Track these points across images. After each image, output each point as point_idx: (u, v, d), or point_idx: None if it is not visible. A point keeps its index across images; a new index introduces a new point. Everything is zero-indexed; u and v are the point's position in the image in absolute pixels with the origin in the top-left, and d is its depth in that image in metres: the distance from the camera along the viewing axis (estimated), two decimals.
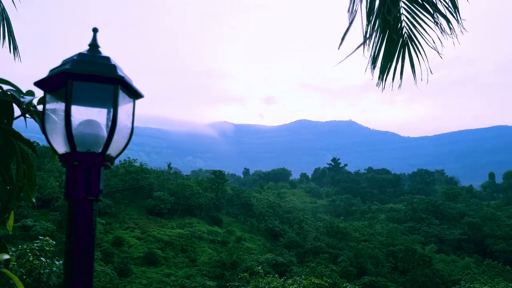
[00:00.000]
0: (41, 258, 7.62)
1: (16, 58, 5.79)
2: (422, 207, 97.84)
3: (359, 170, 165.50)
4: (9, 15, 5.62)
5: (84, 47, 1.94)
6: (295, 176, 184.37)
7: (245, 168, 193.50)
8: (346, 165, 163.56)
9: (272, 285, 12.18)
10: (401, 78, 3.53)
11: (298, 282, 12.68)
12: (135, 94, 2.00)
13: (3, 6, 5.47)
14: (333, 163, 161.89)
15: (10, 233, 2.20)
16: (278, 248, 65.34)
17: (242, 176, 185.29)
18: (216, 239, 63.34)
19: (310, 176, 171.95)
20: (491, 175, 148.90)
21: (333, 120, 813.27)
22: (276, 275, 14.95)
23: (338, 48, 3.12)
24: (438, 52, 3.31)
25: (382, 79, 3.51)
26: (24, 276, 7.28)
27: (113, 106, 1.83)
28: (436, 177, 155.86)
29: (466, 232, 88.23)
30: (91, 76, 1.81)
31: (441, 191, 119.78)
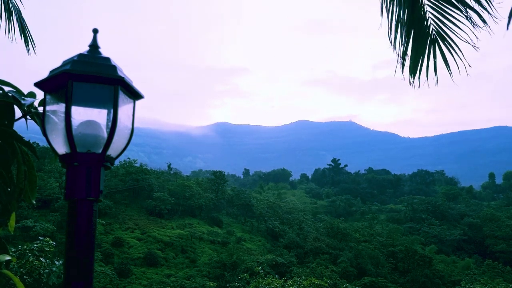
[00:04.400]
0: (41, 259, 7.63)
1: (30, 52, 5.69)
2: (422, 208, 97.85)
3: (359, 171, 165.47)
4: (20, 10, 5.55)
5: (84, 47, 1.95)
6: (295, 176, 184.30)
7: (245, 169, 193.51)
8: (346, 165, 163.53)
9: (272, 286, 12.19)
10: (435, 75, 3.55)
11: (298, 282, 12.68)
12: (135, 95, 2.01)
13: (14, 1, 5.41)
14: (333, 164, 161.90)
15: (12, 233, 2.20)
16: (278, 248, 65.31)
17: (242, 176, 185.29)
18: (216, 239, 63.33)
19: (310, 176, 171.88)
20: (491, 176, 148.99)
21: (333, 120, 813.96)
22: (276, 276, 14.96)
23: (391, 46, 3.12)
24: (473, 46, 3.30)
25: (414, 78, 3.53)
26: (24, 277, 7.28)
27: (113, 107, 1.84)
28: (436, 178, 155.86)
29: (466, 233, 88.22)
30: (91, 77, 1.81)
31: (441, 192, 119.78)
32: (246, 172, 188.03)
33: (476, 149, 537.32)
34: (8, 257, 1.89)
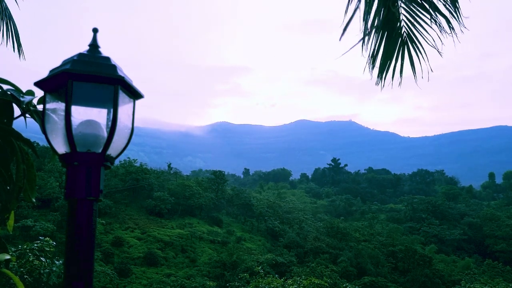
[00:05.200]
0: (41, 258, 7.63)
1: (21, 56, 5.80)
2: (422, 207, 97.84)
3: (359, 170, 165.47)
4: (12, 14, 5.62)
5: (84, 47, 1.95)
6: (295, 176, 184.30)
7: (245, 168, 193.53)
8: (346, 165, 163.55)
9: (272, 285, 12.19)
10: (400, 76, 3.54)
11: (298, 282, 12.69)
12: (135, 94, 2.01)
13: (5, 4, 5.46)
14: (333, 163, 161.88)
15: (11, 233, 2.20)
16: (278, 248, 65.30)
17: (242, 176, 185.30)
18: (216, 239, 63.34)
19: (310, 176, 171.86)
20: (491, 175, 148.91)
21: (333, 120, 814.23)
22: (276, 275, 14.96)
23: (340, 39, 3.15)
24: (438, 51, 3.31)
25: (381, 78, 3.52)
26: (24, 276, 7.28)
27: (113, 106, 1.83)
28: (436, 177, 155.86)
29: (466, 232, 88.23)
30: (91, 76, 1.81)
31: (441, 191, 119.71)
32: (246, 171, 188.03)
33: (476, 149, 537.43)
34: (7, 256, 1.89)
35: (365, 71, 3.48)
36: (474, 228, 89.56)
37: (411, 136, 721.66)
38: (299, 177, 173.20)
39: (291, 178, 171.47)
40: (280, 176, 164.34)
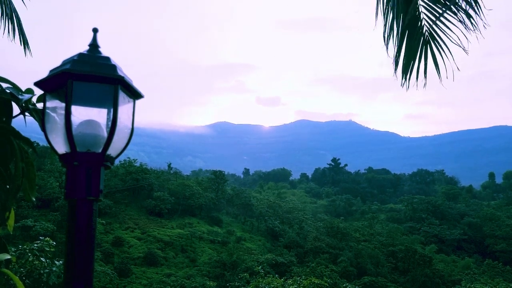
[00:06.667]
0: (41, 258, 7.62)
1: (27, 52, 5.86)
2: (422, 207, 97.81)
3: (359, 170, 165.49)
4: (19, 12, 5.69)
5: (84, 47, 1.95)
6: (295, 176, 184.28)
7: (245, 168, 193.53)
8: (346, 165, 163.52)
9: (272, 285, 12.18)
10: (425, 76, 3.50)
11: (298, 282, 12.68)
12: (135, 94, 2.01)
13: (13, 6, 5.53)
14: (333, 163, 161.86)
15: (11, 233, 2.19)
16: (278, 248, 65.30)
17: (242, 176, 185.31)
18: (216, 239, 63.34)
19: (310, 176, 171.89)
20: (491, 175, 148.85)
21: (333, 120, 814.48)
22: (276, 275, 14.96)
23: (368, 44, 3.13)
24: (463, 49, 3.26)
25: (405, 78, 3.50)
26: (24, 277, 7.28)
27: (113, 106, 1.83)
28: (436, 177, 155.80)
29: (466, 232, 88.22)
30: (91, 76, 1.81)
31: (441, 191, 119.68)
32: (246, 171, 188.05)
33: (476, 149, 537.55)
34: (7, 256, 1.89)
35: (385, 72, 3.46)
36: (474, 228, 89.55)
37: (411, 136, 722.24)
38: (299, 177, 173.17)
39: (291, 178, 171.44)
40: (280, 176, 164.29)
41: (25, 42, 5.74)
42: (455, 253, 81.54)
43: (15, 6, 5.57)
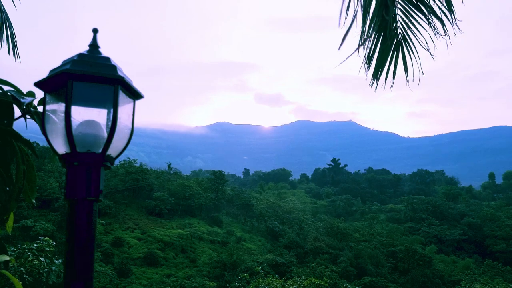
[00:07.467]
0: (41, 258, 7.62)
1: (16, 59, 5.77)
2: (422, 208, 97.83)
3: (359, 171, 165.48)
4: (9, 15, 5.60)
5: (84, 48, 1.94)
6: (295, 176, 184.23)
7: (245, 169, 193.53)
8: (346, 165, 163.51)
9: (272, 286, 12.19)
10: (393, 78, 3.51)
11: (298, 282, 12.68)
12: (135, 95, 2.00)
13: (3, 6, 5.44)
14: (333, 164, 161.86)
15: (10, 234, 2.20)
16: (278, 248, 65.33)
17: (242, 176, 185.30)
18: (216, 239, 63.33)
19: (310, 176, 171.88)
20: (491, 176, 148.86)
21: (333, 120, 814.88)
22: (276, 276, 14.95)
23: (339, 49, 3.13)
24: (430, 53, 3.30)
25: (375, 79, 3.50)
26: (24, 276, 7.28)
27: (113, 107, 1.83)
28: (436, 178, 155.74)
29: (466, 233, 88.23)
30: (91, 77, 1.81)
31: (441, 192, 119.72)
32: (246, 172, 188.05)
33: (476, 149, 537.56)
34: (6, 258, 1.89)
35: (361, 72, 3.47)
36: (474, 228, 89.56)
37: (411, 136, 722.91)
38: (299, 177, 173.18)
39: (291, 178, 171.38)
40: (280, 176, 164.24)
41: (14, 47, 5.64)
42: (455, 253, 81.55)
43: (6, 10, 5.47)
